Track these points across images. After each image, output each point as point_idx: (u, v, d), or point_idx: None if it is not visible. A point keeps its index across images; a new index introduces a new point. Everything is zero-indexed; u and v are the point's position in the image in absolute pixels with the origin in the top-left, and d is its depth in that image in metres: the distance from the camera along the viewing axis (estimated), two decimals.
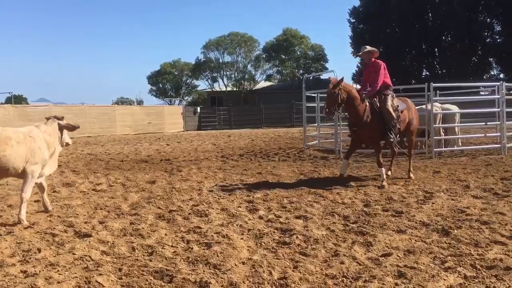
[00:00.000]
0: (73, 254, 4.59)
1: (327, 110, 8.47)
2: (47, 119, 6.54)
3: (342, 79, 8.50)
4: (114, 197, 7.56)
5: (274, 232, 5.31)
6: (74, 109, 30.34)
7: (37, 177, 6.16)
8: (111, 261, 4.41)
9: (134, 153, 15.67)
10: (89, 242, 5.00)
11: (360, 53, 9.10)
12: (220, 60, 53.98)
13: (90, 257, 4.50)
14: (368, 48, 8.96)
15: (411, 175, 8.92)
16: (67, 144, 6.91)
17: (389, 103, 8.65)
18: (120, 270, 4.14)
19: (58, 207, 6.79)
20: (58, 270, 4.14)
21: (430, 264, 4.08)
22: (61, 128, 6.56)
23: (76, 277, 3.95)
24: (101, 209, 6.71)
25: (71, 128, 6.69)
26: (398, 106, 8.80)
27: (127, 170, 11.00)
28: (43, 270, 4.14)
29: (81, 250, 4.70)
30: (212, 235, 5.17)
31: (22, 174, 6.00)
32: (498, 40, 41.87)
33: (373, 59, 8.92)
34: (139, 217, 6.16)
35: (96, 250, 4.74)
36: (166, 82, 59.73)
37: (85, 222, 5.92)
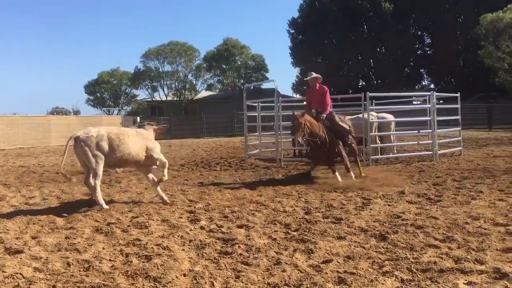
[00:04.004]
0: (3, 272, 4.33)
1: (299, 140, 9.12)
2: (141, 125, 8.34)
3: (304, 113, 9.46)
4: (48, 210, 7.23)
5: (216, 242, 5.27)
6: (5, 119, 28.36)
7: (160, 153, 7.84)
8: (45, 278, 4.20)
9: (70, 164, 15.09)
10: (21, 258, 4.74)
11: (307, 78, 10.30)
12: (160, 70, 53.29)
13: (22, 274, 4.26)
14: (314, 74, 10.20)
15: (362, 173, 10.14)
16: None
17: (337, 118, 10.02)
18: (54, 287, 3.95)
19: None
20: None
21: (369, 269, 4.18)
22: (154, 131, 8.23)
23: None
24: (34, 223, 6.38)
25: (163, 130, 8.56)
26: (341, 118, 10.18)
27: (62, 183, 10.58)
28: None
29: (12, 268, 4.44)
30: (152, 247, 5.05)
31: (143, 161, 7.66)
32: (429, 52, 44.10)
33: (317, 85, 10.13)
34: (75, 231, 5.92)
35: (28, 267, 4.50)
36: (104, 91, 58.11)
37: (17, 238, 5.62)
